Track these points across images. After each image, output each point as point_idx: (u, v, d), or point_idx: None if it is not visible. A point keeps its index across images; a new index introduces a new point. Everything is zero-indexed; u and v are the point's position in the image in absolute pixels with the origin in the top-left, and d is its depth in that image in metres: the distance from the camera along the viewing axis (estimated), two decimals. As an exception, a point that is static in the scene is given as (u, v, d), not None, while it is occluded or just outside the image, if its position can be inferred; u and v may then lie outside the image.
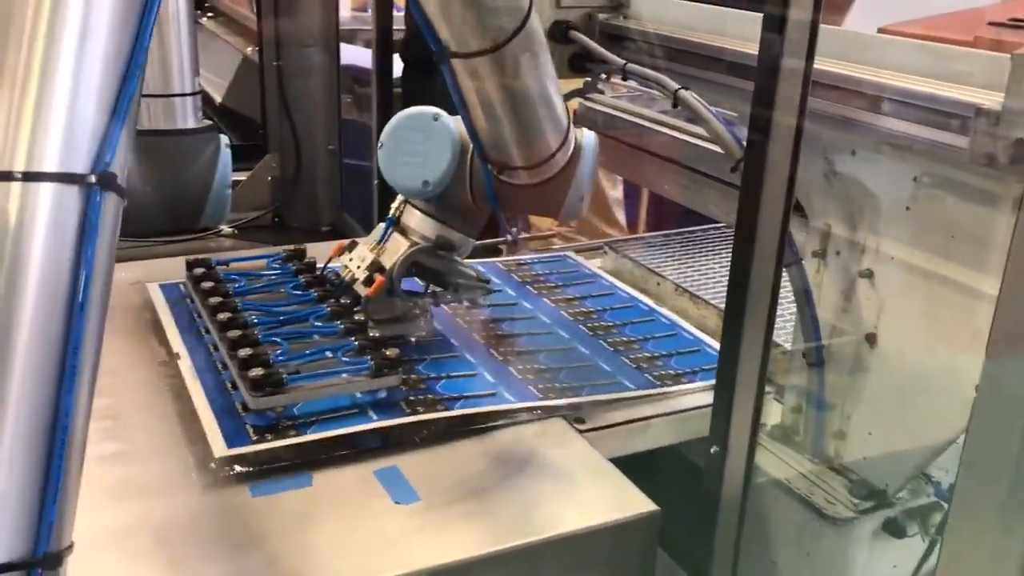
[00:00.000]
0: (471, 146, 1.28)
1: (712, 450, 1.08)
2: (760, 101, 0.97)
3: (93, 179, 0.65)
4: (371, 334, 1.29)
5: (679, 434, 1.27)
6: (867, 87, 1.07)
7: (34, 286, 0.63)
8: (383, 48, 1.92)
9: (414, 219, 1.36)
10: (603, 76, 1.70)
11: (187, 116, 1.94)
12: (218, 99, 2.72)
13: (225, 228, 2.14)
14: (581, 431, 1.21)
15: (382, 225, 1.39)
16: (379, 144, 1.30)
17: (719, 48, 1.37)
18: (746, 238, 1.02)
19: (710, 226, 1.97)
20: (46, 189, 0.63)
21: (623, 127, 1.93)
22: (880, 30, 1.23)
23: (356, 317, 1.32)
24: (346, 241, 1.42)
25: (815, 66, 0.95)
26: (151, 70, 1.87)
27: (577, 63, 1.67)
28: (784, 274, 1.16)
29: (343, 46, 2.27)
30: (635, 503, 1.06)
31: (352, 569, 0.95)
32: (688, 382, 1.32)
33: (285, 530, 0.99)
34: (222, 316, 1.29)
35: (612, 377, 1.32)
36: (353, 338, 1.27)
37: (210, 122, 2.00)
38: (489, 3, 1.07)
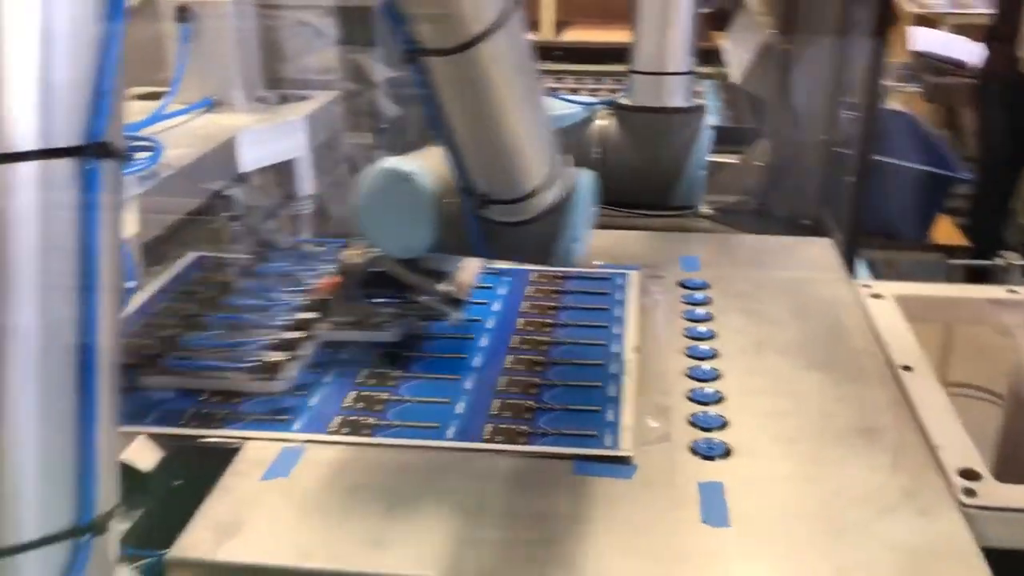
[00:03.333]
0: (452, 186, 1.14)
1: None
2: None
3: (88, 149, 0.61)
4: (303, 334, 1.29)
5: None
6: None
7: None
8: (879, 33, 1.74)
9: None
10: None
11: (677, 95, 1.99)
12: (735, 79, 2.71)
13: (704, 208, 2.15)
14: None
15: None
16: (360, 202, 1.20)
17: None
18: None
19: None
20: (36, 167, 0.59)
21: None
22: None
23: (306, 315, 1.35)
24: None
25: None
26: (647, 49, 1.94)
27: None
28: None
29: (924, 30, 2.06)
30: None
31: (629, 570, 0.93)
32: (524, 443, 1.11)
33: (588, 512, 1.00)
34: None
35: (437, 423, 1.15)
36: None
37: (700, 102, 2.03)
38: None
